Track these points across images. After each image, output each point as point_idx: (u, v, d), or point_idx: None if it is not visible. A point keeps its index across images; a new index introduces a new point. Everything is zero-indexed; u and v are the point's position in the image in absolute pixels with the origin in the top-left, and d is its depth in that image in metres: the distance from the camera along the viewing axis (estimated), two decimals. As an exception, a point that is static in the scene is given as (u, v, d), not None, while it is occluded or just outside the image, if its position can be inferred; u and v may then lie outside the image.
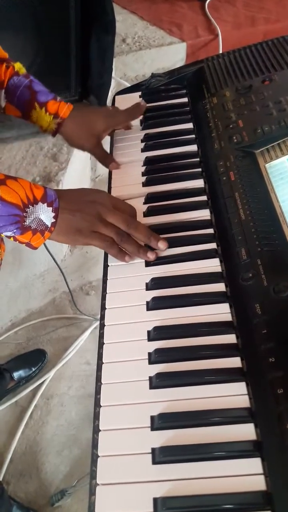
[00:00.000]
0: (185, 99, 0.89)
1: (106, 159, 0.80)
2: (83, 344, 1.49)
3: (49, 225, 0.58)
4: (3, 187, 0.55)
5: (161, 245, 0.62)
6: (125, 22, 2.08)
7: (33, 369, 1.39)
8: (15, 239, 0.58)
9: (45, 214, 0.57)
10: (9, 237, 0.58)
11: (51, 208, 0.58)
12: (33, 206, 0.56)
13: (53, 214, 0.58)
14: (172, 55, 1.95)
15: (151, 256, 0.62)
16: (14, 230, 0.56)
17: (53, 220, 0.58)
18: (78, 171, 1.63)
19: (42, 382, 1.39)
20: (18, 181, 0.56)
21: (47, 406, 1.36)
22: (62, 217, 0.59)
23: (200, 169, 0.73)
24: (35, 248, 0.60)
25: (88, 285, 1.64)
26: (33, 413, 1.34)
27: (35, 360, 1.41)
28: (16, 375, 1.36)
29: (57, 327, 1.53)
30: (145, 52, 1.93)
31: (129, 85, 1.04)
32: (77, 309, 1.53)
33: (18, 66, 0.76)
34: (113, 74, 1.81)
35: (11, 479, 1.23)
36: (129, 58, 1.92)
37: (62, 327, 1.53)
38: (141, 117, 0.87)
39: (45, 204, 0.57)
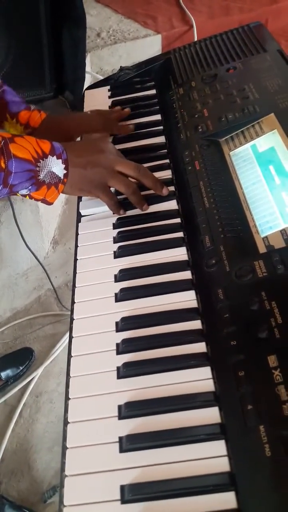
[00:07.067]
0: (153, 91, 0.89)
1: None
2: (70, 340, 1.48)
3: (62, 177, 0.60)
4: (13, 145, 0.56)
5: (165, 191, 0.67)
6: (99, 16, 2.07)
7: (21, 368, 1.39)
8: (30, 197, 0.59)
9: (56, 166, 0.59)
10: (24, 195, 0.59)
11: (61, 160, 0.59)
12: (43, 160, 0.58)
13: (64, 166, 0.60)
14: (147, 47, 1.94)
15: (145, 206, 0.66)
16: (30, 187, 0.58)
17: (65, 172, 0.60)
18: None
19: (31, 380, 1.39)
20: (25, 138, 0.57)
21: (37, 404, 1.36)
22: (72, 169, 0.61)
23: (168, 160, 0.73)
24: (51, 204, 0.61)
25: (73, 281, 1.64)
26: (22, 411, 1.34)
27: (22, 358, 1.41)
28: (3, 374, 1.36)
29: (44, 325, 1.53)
30: (120, 45, 1.91)
31: (102, 79, 1.04)
32: (62, 306, 1.53)
33: None
34: (89, 69, 1.80)
35: (3, 479, 1.23)
36: (105, 52, 1.90)
37: (49, 324, 1.53)
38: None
39: (55, 156, 0.59)
